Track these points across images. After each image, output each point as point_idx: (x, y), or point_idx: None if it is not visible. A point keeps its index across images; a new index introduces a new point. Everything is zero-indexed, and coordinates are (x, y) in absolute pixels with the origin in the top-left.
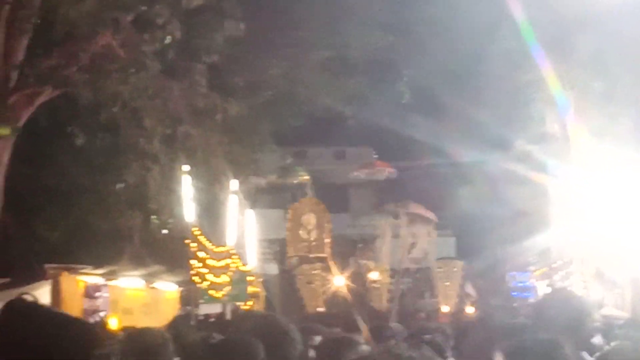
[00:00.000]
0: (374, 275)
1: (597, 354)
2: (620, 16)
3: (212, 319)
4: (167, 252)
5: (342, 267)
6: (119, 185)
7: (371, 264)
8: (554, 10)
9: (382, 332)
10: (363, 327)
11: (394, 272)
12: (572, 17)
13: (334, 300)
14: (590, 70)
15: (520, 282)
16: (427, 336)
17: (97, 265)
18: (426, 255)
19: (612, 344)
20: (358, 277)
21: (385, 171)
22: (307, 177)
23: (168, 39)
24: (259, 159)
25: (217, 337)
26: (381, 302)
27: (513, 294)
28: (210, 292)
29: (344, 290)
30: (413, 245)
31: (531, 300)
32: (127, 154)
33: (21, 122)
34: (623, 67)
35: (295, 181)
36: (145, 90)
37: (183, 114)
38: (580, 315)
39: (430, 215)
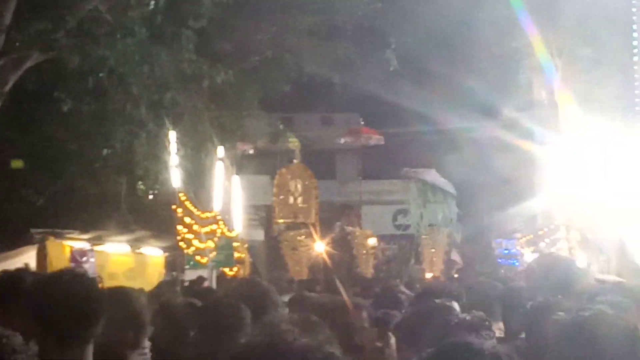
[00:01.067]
0: (371, 241)
1: (577, 317)
2: None
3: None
4: (154, 218)
5: (327, 234)
6: (106, 151)
7: (357, 230)
8: None
9: (395, 294)
10: (343, 292)
11: (380, 239)
12: None
13: (317, 266)
14: (577, 37)
15: (507, 250)
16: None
17: (84, 230)
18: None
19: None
20: (344, 243)
21: (373, 137)
22: (297, 143)
23: (152, 4)
24: (246, 125)
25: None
26: (367, 268)
27: (499, 260)
28: (197, 257)
29: (326, 256)
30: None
31: (517, 266)
32: (114, 120)
33: (8, 87)
34: (609, 33)
35: (284, 147)
36: (132, 56)
37: (170, 80)
38: (568, 278)
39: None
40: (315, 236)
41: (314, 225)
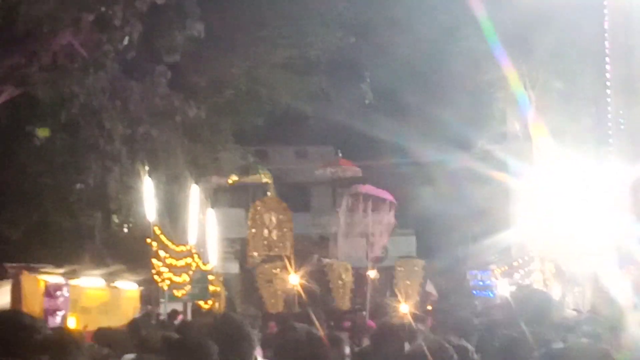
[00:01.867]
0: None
1: (556, 349)
2: (580, 16)
3: (162, 317)
4: (128, 251)
5: (303, 266)
6: (80, 185)
7: (334, 261)
8: (514, 10)
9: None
10: (318, 327)
11: (355, 271)
12: (532, 17)
13: (292, 299)
14: (550, 70)
15: (481, 281)
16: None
17: (58, 264)
18: (386, 252)
19: (569, 341)
20: (320, 276)
21: (350, 170)
22: (268, 176)
23: (126, 40)
24: (220, 158)
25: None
26: (344, 300)
27: (474, 292)
28: (173, 291)
29: (300, 289)
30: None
31: (492, 298)
32: (87, 154)
33: None
34: (583, 66)
35: (256, 180)
36: (104, 91)
37: (143, 115)
38: (544, 310)
39: (384, 195)
40: (290, 269)
41: (288, 257)
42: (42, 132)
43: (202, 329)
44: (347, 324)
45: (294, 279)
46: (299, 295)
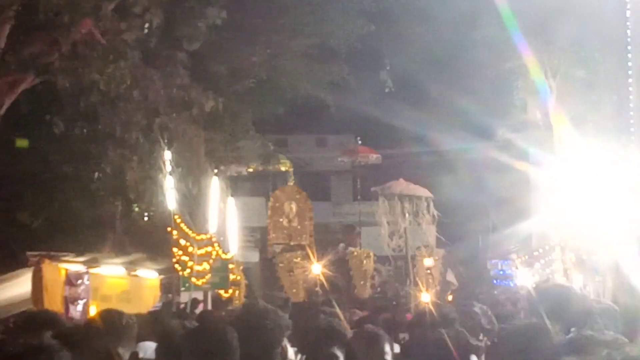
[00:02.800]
0: (366, 262)
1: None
2: (601, 3)
3: (182, 306)
4: (149, 240)
5: (323, 255)
6: (98, 174)
7: (356, 250)
8: None
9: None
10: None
11: (376, 260)
12: (553, 4)
13: (313, 288)
14: (571, 58)
15: (502, 270)
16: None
17: (79, 252)
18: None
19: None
20: (341, 264)
21: (369, 156)
22: (288, 165)
23: (146, 28)
24: (241, 147)
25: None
26: (364, 288)
27: (495, 282)
28: (192, 279)
29: (323, 278)
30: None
31: (512, 288)
32: (107, 142)
33: (2, 109)
34: (604, 55)
35: (276, 169)
36: (122, 79)
37: (162, 105)
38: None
39: (421, 192)
40: (313, 258)
41: (309, 246)
42: (21, 143)
43: (224, 318)
44: (385, 315)
45: (317, 268)
46: (321, 284)
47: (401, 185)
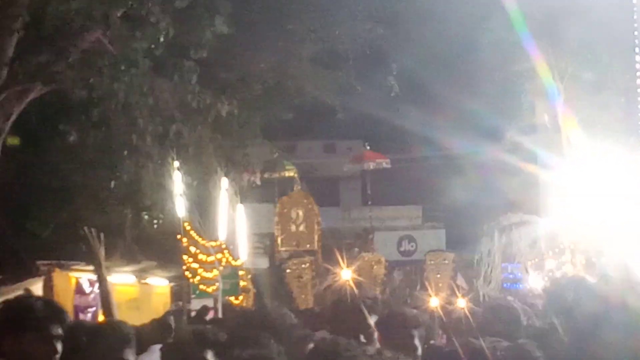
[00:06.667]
0: (377, 267)
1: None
2: (609, 6)
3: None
4: (159, 248)
5: (331, 261)
6: (115, 182)
7: (367, 255)
8: (544, 0)
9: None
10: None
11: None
12: (561, 8)
13: (322, 294)
14: (580, 61)
15: (512, 274)
16: None
17: (89, 261)
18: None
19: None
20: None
21: (377, 161)
22: (294, 171)
23: (161, 36)
24: (249, 154)
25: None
26: (373, 293)
27: (504, 285)
28: (202, 287)
29: (348, 284)
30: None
31: (522, 290)
32: (120, 151)
33: (12, 119)
34: (612, 57)
35: (282, 175)
36: (139, 87)
37: (174, 112)
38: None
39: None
40: (342, 263)
41: (318, 252)
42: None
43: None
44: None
45: (346, 274)
46: (346, 290)
47: (516, 217)
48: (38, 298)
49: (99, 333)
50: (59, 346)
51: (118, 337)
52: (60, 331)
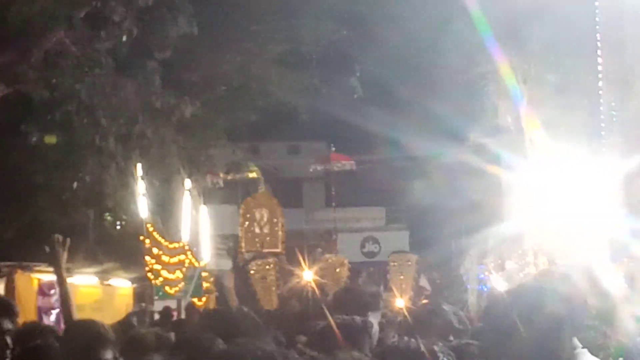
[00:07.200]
0: (340, 270)
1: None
2: (572, 9)
3: (156, 315)
4: (121, 249)
5: (295, 263)
6: (77, 183)
7: (331, 256)
8: (506, 3)
9: None
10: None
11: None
12: (524, 9)
13: (286, 295)
14: (543, 63)
15: (480, 274)
16: None
17: (50, 263)
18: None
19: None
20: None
21: (342, 163)
22: (256, 173)
23: (125, 36)
24: (213, 155)
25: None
26: None
27: (467, 286)
28: (165, 288)
29: (308, 286)
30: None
31: (485, 291)
32: (83, 152)
33: None
34: (575, 59)
35: (246, 177)
36: (102, 88)
37: (137, 112)
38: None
39: None
40: (304, 264)
41: (281, 254)
42: None
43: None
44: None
45: (308, 275)
46: (296, 291)
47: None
48: None
49: (72, 334)
50: (9, 340)
51: (92, 337)
52: (10, 326)
